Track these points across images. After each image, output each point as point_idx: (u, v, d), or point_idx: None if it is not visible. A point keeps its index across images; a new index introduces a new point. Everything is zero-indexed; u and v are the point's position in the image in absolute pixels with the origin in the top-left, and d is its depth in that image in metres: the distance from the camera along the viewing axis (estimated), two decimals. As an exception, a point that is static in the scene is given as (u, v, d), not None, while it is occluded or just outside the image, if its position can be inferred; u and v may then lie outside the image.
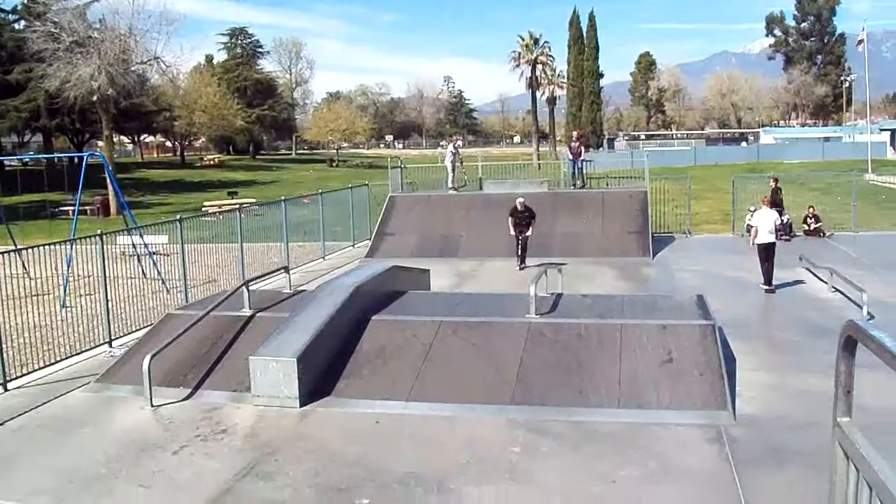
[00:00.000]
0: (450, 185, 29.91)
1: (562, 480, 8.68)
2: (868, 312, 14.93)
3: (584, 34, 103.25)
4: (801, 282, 19.33)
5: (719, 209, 32.10)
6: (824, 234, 26.97)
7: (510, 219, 22.12)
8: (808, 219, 27.25)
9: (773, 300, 17.56)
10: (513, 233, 21.92)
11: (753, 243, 18.59)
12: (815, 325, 14.89)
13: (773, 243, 18.50)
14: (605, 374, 11.15)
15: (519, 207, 22.07)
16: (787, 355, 13.07)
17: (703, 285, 17.64)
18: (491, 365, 11.52)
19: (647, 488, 8.44)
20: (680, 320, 12.30)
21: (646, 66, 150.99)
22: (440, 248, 24.30)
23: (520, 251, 22.07)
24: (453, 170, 30.22)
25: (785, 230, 26.62)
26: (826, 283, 18.30)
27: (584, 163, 30.86)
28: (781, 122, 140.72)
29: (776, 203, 26.15)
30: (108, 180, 34.37)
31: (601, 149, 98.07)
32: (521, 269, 21.65)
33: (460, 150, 32.64)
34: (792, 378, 11.80)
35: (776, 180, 26.98)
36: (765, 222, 18.46)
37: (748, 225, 27.44)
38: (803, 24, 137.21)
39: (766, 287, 18.34)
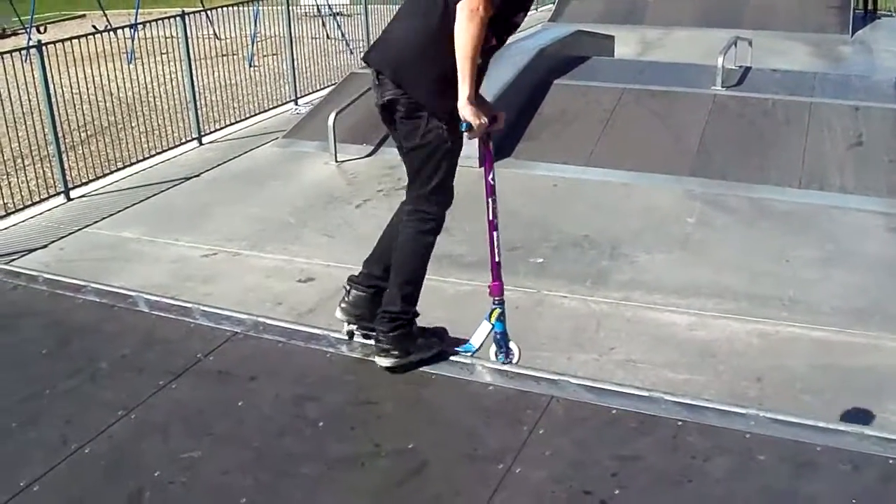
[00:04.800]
0: None
1: (734, 254, 8.68)
2: None
3: None
4: None
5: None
6: None
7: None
8: None
9: None
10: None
11: None
12: None
13: None
14: (788, 153, 10.85)
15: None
16: None
17: (905, 68, 16.60)
18: (671, 135, 11.37)
19: (820, 270, 8.32)
20: (874, 102, 11.70)
21: None
22: (626, 15, 23.42)
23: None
24: None
25: None
26: None
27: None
28: None
29: None
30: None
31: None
32: None
33: None
34: None
35: None
36: None
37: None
38: None
39: None
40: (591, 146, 11.29)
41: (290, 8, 15.46)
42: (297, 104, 15.17)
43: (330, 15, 21.45)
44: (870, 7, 25.55)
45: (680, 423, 3.45)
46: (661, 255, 8.63)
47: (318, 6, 21.40)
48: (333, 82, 15.46)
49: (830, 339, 7.15)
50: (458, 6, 3.69)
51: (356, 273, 4.39)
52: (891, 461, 3.15)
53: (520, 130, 11.75)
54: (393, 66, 3.98)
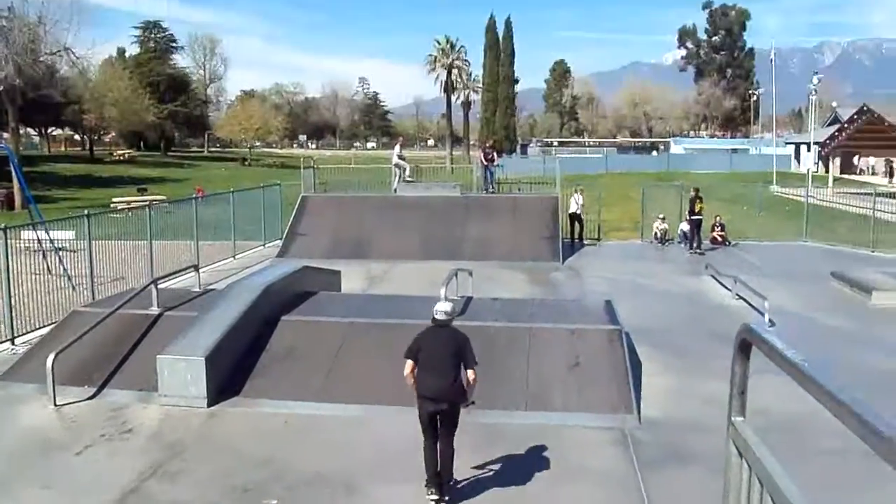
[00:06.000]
0: (407, 177, 29.82)
1: (468, 482, 8.77)
2: (769, 319, 15.24)
3: (501, 40, 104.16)
4: (706, 289, 19.78)
5: (629, 217, 32.64)
6: (730, 242, 27.52)
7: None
8: (715, 227, 27.71)
9: (679, 308, 17.85)
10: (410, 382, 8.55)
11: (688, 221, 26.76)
12: (718, 331, 15.14)
13: (696, 221, 26.23)
14: (513, 378, 11.30)
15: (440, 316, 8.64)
16: (691, 361, 13.30)
17: (611, 291, 17.91)
18: (400, 367, 11.50)
19: (553, 490, 8.61)
20: (588, 325, 12.50)
21: (560, 73, 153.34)
22: (352, 250, 24.20)
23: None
24: (403, 170, 29.66)
25: (698, 241, 26.58)
26: (730, 290, 18.65)
27: (496, 168, 30.99)
28: (691, 132, 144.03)
29: (693, 212, 26.28)
30: (14, 173, 33.41)
31: (514, 154, 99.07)
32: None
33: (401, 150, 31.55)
34: (695, 383, 12.05)
35: (697, 190, 26.96)
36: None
37: (656, 232, 27.94)
38: (714, 38, 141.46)
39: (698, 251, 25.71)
40: (322, 381, 11.33)
41: (8, 241, 14.84)
42: (13, 344, 14.41)
43: (52, 250, 20.72)
44: (576, 237, 27.77)
45: None
46: (397, 488, 8.60)
47: (39, 240, 20.66)
48: (55, 320, 14.78)
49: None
50: (472, 371, 8.31)
51: (432, 480, 8.30)
52: None
53: (248, 368, 11.68)
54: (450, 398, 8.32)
